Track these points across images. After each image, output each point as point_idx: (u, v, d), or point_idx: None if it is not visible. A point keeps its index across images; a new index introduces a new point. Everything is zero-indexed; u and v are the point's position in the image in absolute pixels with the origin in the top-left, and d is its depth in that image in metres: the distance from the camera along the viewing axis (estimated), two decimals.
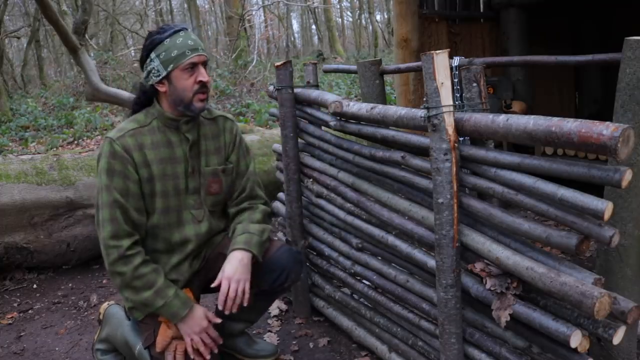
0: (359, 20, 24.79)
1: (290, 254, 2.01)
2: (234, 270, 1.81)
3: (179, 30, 1.80)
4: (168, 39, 1.78)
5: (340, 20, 27.25)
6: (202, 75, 1.80)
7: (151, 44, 1.80)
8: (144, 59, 1.83)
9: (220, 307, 1.82)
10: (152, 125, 1.86)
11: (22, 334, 2.64)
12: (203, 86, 1.81)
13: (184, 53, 1.77)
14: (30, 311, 2.89)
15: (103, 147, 1.81)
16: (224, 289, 1.79)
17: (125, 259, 1.74)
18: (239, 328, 2.16)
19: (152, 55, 1.80)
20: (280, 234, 2.78)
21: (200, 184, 1.92)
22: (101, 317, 2.18)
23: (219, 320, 1.86)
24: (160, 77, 1.80)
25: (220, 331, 2.16)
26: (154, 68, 1.80)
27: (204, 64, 1.83)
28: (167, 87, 1.81)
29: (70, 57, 11.93)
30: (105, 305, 2.20)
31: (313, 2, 18.57)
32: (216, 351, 1.86)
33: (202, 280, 2.02)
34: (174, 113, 1.86)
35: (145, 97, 1.90)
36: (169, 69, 1.78)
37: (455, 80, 1.75)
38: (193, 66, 1.79)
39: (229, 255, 1.85)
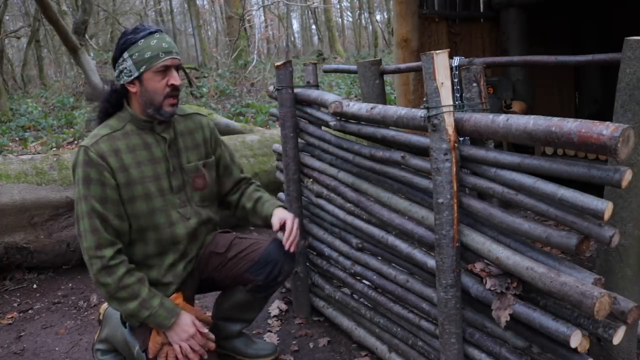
0: (359, 20, 24.81)
1: (282, 247, 2.01)
2: (287, 213, 2.01)
3: (154, 32, 1.79)
4: (142, 40, 1.76)
5: (340, 20, 27.27)
6: (174, 78, 1.79)
7: (125, 44, 1.78)
8: (116, 58, 1.81)
9: (286, 246, 1.95)
10: (125, 129, 1.84)
11: (22, 334, 2.64)
12: (174, 89, 1.80)
13: (158, 55, 1.76)
14: (30, 311, 2.89)
15: (78, 156, 1.77)
16: (289, 225, 1.96)
17: (109, 269, 1.72)
18: (236, 329, 2.16)
19: (125, 55, 1.78)
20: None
21: (184, 182, 1.92)
22: (101, 317, 2.18)
23: (206, 330, 1.85)
24: (132, 78, 1.78)
25: (219, 333, 2.17)
26: (126, 68, 1.79)
27: (177, 67, 1.82)
28: (138, 88, 1.80)
29: (70, 57, 11.93)
30: (105, 305, 2.20)
31: (313, 2, 18.57)
32: (206, 357, 1.85)
33: (196, 280, 2.02)
34: (145, 115, 1.84)
35: (116, 96, 1.88)
36: (141, 70, 1.77)
37: (455, 80, 1.75)
38: (166, 69, 1.78)
39: (275, 210, 2.02)
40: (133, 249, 1.85)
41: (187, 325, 1.80)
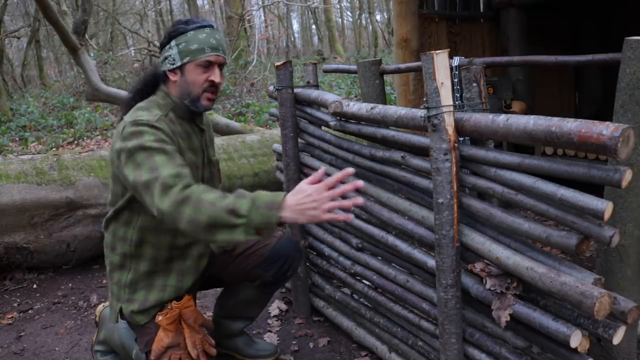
0: (359, 20, 24.81)
1: (291, 243, 2.05)
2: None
3: (205, 26, 1.81)
4: (192, 32, 1.78)
5: (340, 20, 27.27)
6: (215, 75, 1.80)
7: (175, 32, 1.80)
8: (163, 45, 1.84)
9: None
10: (169, 116, 1.81)
11: (22, 334, 2.64)
12: (212, 86, 1.81)
13: (203, 49, 1.77)
14: (30, 311, 2.89)
15: (137, 130, 1.65)
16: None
17: (192, 188, 1.53)
18: (238, 327, 2.16)
19: (173, 42, 1.80)
20: (280, 234, 2.78)
21: (211, 174, 1.96)
22: (97, 319, 2.17)
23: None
24: (174, 66, 1.80)
25: (220, 331, 2.17)
26: (170, 55, 1.80)
27: (221, 65, 1.83)
28: (179, 77, 1.81)
29: (70, 57, 11.94)
30: (100, 307, 2.19)
31: (313, 2, 18.57)
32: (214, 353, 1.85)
33: (199, 279, 2.02)
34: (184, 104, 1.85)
35: (154, 80, 1.88)
36: (184, 61, 1.78)
37: (455, 80, 1.75)
38: (208, 64, 1.79)
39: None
40: (160, 239, 1.81)
41: (301, 189, 1.45)
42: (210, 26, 1.83)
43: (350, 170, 1.43)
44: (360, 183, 1.41)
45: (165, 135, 1.69)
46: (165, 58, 1.82)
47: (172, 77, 1.82)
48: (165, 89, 1.85)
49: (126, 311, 1.84)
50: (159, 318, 1.80)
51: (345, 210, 1.50)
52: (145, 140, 1.63)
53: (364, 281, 2.16)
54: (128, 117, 1.73)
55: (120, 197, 1.80)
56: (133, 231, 1.81)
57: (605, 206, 1.16)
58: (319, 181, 1.45)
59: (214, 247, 1.93)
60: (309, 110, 2.31)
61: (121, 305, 1.85)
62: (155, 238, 1.81)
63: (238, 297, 2.07)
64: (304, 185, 1.45)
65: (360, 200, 1.43)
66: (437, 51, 1.42)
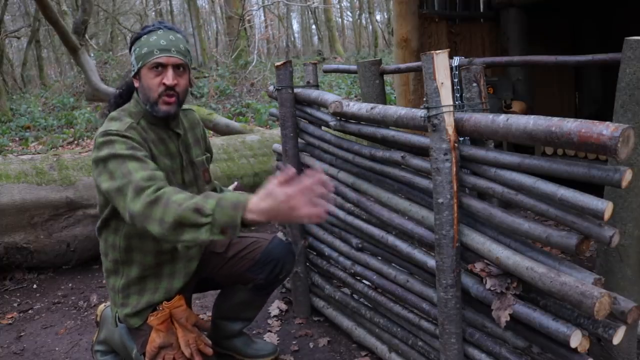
0: (359, 20, 24.83)
1: (283, 245, 2.03)
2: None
3: (158, 29, 1.78)
4: (145, 36, 1.77)
5: (340, 20, 27.28)
6: (168, 78, 1.74)
7: (133, 39, 1.82)
8: (129, 52, 1.85)
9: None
10: (141, 124, 1.80)
11: (22, 334, 2.64)
12: (169, 89, 1.76)
13: (152, 52, 1.74)
14: (30, 311, 2.89)
15: (108, 140, 1.66)
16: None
17: (164, 189, 1.53)
18: (236, 328, 2.16)
19: (132, 49, 1.81)
20: (280, 234, 2.78)
21: (195, 176, 1.94)
22: (98, 318, 2.18)
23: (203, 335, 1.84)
24: (134, 73, 1.80)
25: (219, 332, 2.17)
26: (131, 62, 1.82)
27: (178, 66, 1.77)
28: (139, 83, 1.80)
29: (70, 57, 11.95)
30: (101, 307, 2.19)
31: (313, 2, 18.57)
32: (210, 352, 1.85)
33: (193, 281, 2.02)
34: None
35: (127, 89, 1.90)
36: (139, 66, 1.77)
37: (455, 80, 1.75)
38: (160, 66, 1.74)
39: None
40: (145, 245, 1.82)
41: (271, 194, 1.37)
42: (165, 28, 1.79)
43: (324, 177, 1.37)
44: (330, 186, 1.37)
45: (136, 143, 1.69)
46: (131, 65, 1.83)
47: (136, 84, 1.82)
48: (137, 97, 1.84)
49: (121, 315, 1.87)
50: (151, 318, 1.81)
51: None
52: (116, 149, 1.64)
53: (364, 281, 2.16)
54: (101, 128, 1.74)
55: (105, 207, 1.81)
56: (120, 238, 1.82)
57: (605, 206, 1.16)
58: (289, 180, 1.37)
59: (180, 247, 1.89)
60: (309, 110, 2.31)
61: (117, 309, 1.88)
62: (141, 244, 1.82)
63: (233, 299, 2.07)
64: (274, 189, 1.37)
65: (333, 207, 1.38)
66: (437, 51, 1.42)
